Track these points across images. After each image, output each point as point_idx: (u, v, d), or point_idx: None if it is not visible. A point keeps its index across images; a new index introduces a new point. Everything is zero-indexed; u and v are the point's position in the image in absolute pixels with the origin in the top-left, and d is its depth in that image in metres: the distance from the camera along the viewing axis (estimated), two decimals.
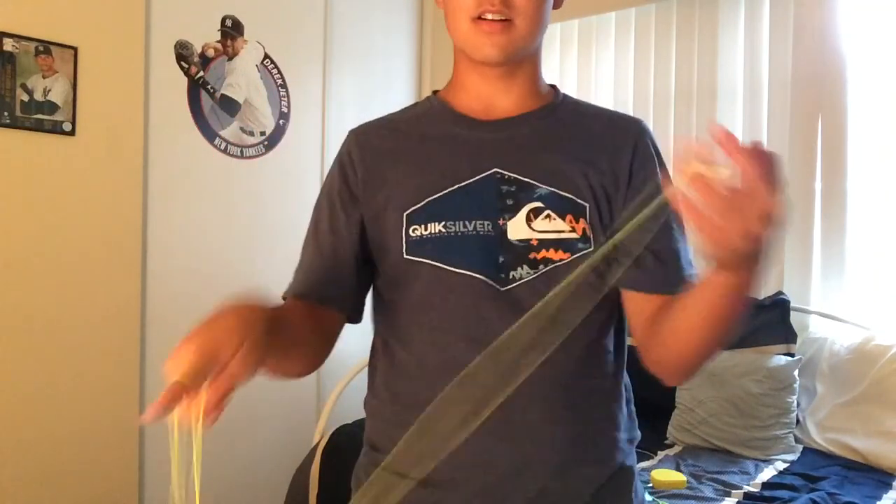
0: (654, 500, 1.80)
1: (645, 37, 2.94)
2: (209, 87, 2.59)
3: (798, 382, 2.32)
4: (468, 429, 0.88)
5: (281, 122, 2.82)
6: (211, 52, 2.60)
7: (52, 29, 2.17)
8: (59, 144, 2.21)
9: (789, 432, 2.26)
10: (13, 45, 2.11)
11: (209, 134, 2.59)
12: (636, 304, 0.94)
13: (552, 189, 0.93)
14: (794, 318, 2.44)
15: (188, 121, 2.54)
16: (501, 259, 0.91)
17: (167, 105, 2.47)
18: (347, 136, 1.04)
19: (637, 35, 2.97)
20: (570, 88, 2.44)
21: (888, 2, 2.44)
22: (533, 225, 0.91)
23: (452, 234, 0.92)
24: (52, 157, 2.20)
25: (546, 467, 0.91)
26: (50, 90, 2.18)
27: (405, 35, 3.36)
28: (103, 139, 2.29)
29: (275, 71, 2.79)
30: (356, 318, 1.02)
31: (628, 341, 1.00)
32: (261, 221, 2.74)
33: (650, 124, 1.07)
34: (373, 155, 1.00)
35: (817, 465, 2.13)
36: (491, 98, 0.98)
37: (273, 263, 2.63)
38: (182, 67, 2.52)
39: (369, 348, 1.03)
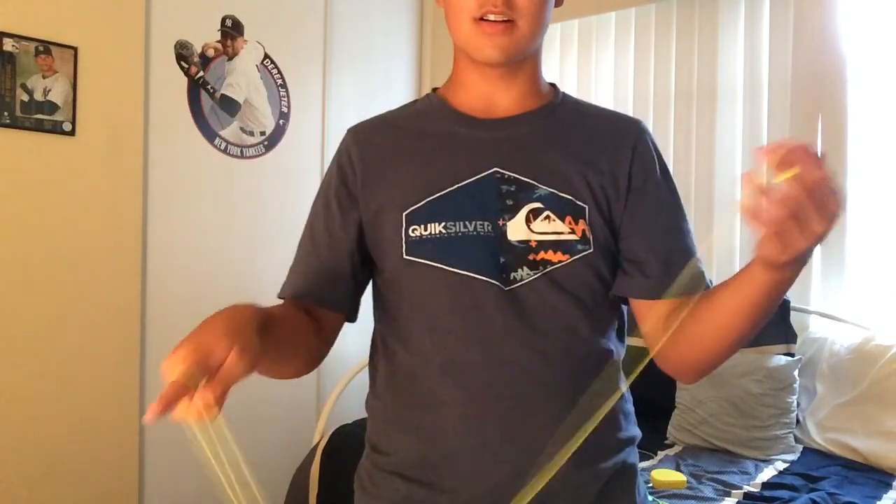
0: (654, 500, 1.80)
1: (645, 37, 2.94)
2: (209, 87, 2.59)
3: (798, 382, 2.32)
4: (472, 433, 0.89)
5: (281, 122, 2.82)
6: (211, 52, 2.60)
7: (52, 29, 2.17)
8: (59, 144, 2.21)
9: (789, 432, 2.26)
10: (13, 45, 2.11)
11: (209, 134, 2.59)
12: (648, 307, 0.94)
13: (552, 190, 0.93)
14: (794, 318, 2.44)
15: (188, 121, 2.54)
16: (502, 260, 0.91)
17: (167, 105, 2.47)
18: (346, 134, 1.03)
19: (637, 35, 2.96)
20: (570, 88, 2.43)
21: (888, 2, 2.44)
22: (532, 226, 0.91)
23: (453, 234, 0.91)
24: (52, 157, 2.20)
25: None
26: (50, 90, 2.18)
27: (405, 35, 3.36)
28: (103, 139, 2.29)
29: (275, 71, 2.79)
30: (352, 317, 1.01)
31: (631, 342, 1.00)
32: (261, 221, 2.74)
33: (650, 124, 1.07)
34: (372, 154, 0.99)
35: (817, 465, 2.13)
36: (491, 97, 0.98)
37: (273, 263, 2.62)
38: (182, 67, 2.52)
39: (369, 348, 1.03)
